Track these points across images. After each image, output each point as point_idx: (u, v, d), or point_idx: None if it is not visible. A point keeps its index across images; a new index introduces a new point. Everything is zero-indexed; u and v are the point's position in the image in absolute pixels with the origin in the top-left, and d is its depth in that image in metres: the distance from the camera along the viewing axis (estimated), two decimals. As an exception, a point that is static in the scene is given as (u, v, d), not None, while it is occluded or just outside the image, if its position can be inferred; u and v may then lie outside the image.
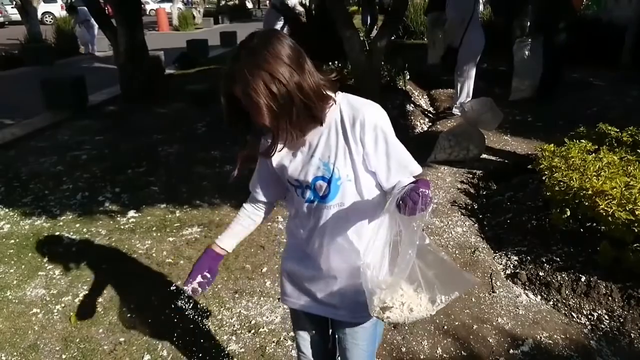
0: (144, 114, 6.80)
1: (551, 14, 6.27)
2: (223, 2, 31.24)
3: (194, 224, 3.67)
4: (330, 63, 8.71)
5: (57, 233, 3.57)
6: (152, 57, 8.57)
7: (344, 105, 1.33)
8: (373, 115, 1.30)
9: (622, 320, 2.59)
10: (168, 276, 3.07)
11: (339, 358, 1.75)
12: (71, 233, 3.57)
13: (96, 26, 13.82)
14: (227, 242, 1.57)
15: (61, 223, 3.71)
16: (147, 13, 28.79)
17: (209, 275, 1.52)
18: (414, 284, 1.28)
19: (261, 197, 1.56)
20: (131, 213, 3.84)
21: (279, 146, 1.32)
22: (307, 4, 15.84)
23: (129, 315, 2.73)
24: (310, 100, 1.22)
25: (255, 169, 1.54)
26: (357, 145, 1.31)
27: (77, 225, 3.68)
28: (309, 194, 1.39)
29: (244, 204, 1.62)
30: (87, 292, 2.92)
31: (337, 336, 1.67)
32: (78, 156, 5.09)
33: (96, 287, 2.95)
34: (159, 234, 3.53)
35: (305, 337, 1.70)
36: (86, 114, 6.97)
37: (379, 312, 1.30)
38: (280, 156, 1.39)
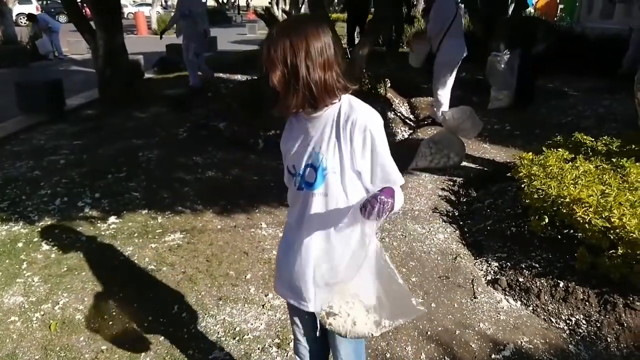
0: (123, 119, 6.72)
1: (529, 25, 6.44)
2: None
3: (177, 230, 3.64)
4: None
5: (36, 239, 3.50)
6: (132, 61, 8.49)
7: (345, 104, 1.43)
8: (366, 119, 1.39)
9: (599, 324, 2.66)
10: (150, 283, 3.04)
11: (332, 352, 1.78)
12: (50, 239, 3.50)
13: (58, 30, 13.63)
14: None
15: (39, 229, 3.64)
16: (126, 17, 28.44)
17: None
18: (368, 302, 1.30)
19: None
20: (112, 219, 3.79)
21: (298, 122, 1.49)
22: (290, 10, 15.92)
23: (110, 323, 2.69)
24: (315, 86, 1.34)
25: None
26: (346, 142, 1.40)
27: (56, 231, 3.61)
28: (299, 181, 1.49)
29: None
30: (67, 299, 2.86)
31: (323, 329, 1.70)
32: (55, 161, 4.99)
33: (77, 295, 2.90)
34: (140, 240, 3.49)
35: (298, 324, 1.75)
36: (63, 118, 6.84)
37: (323, 315, 1.34)
38: (287, 142, 1.53)
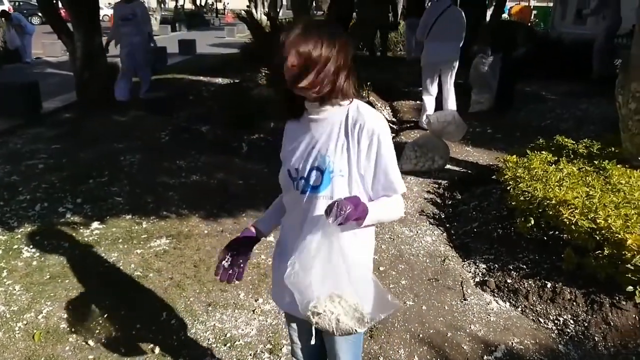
0: (102, 122, 6.58)
1: (510, 29, 6.55)
2: (180, 10, 30.82)
3: (162, 235, 3.57)
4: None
5: (16, 246, 3.40)
6: (109, 64, 8.34)
7: (353, 108, 1.44)
8: (374, 123, 1.41)
9: (586, 324, 2.70)
10: (137, 290, 2.97)
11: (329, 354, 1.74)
12: (31, 246, 3.40)
13: (32, 33, 13.33)
14: (261, 225, 1.65)
15: (19, 235, 3.53)
16: (101, 19, 28.00)
17: (240, 262, 1.55)
18: (351, 300, 1.35)
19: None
20: (95, 224, 3.70)
21: (302, 124, 1.49)
22: (269, 13, 15.90)
23: (97, 331, 2.62)
24: (336, 83, 1.38)
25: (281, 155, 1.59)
26: (354, 145, 1.41)
27: (37, 237, 3.51)
28: (302, 184, 1.46)
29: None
30: (51, 308, 2.78)
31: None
32: (34, 165, 4.86)
33: (61, 303, 2.82)
34: (125, 246, 3.42)
35: (296, 329, 1.73)
36: (40, 122, 6.67)
37: (309, 315, 1.36)
38: (288, 146, 1.52)
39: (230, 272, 1.53)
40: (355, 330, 1.37)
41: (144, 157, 5.14)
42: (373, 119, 1.41)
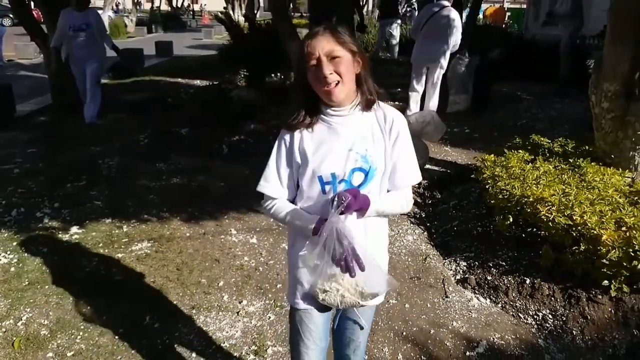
0: (79, 125, 6.48)
1: (485, 32, 6.67)
2: (157, 11, 30.48)
3: (144, 239, 3.54)
4: (272, 75, 8.74)
5: (-8, 253, 3.33)
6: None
7: (381, 108, 1.56)
8: (402, 122, 1.56)
9: (564, 318, 2.77)
10: (119, 294, 2.94)
11: (339, 342, 1.82)
12: (8, 252, 3.33)
13: (2, 35, 13.03)
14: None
15: (-5, 242, 3.47)
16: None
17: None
18: (355, 278, 1.46)
19: (285, 193, 1.61)
20: (74, 229, 3.65)
21: (324, 130, 1.53)
22: (246, 14, 15.84)
23: (79, 337, 2.59)
24: (367, 72, 1.51)
25: (268, 171, 1.58)
26: (389, 142, 1.53)
27: (14, 243, 3.45)
28: (343, 187, 1.50)
29: (277, 202, 1.61)
30: (30, 314, 2.74)
31: (344, 321, 1.74)
32: (9, 170, 4.77)
33: (41, 309, 2.78)
34: (106, 250, 3.38)
35: (312, 330, 1.68)
36: (14, 125, 6.55)
37: (317, 292, 1.52)
38: (315, 151, 1.52)
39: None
40: (359, 303, 1.51)
41: (123, 160, 5.09)
42: (401, 118, 1.56)
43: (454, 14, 6.08)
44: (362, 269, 1.42)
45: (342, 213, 1.39)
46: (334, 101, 1.47)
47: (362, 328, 1.74)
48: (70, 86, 7.19)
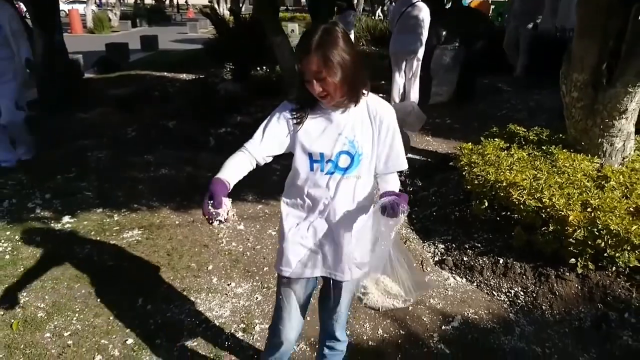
0: (66, 120, 6.54)
1: (469, 22, 6.84)
2: (141, 4, 30.25)
3: (134, 227, 3.66)
4: (257, 68, 8.84)
5: (-14, 241, 3.42)
6: (71, 61, 8.24)
7: (370, 98, 1.67)
8: (390, 113, 1.68)
9: (534, 295, 2.95)
10: (112, 279, 3.06)
11: (324, 311, 1.99)
12: (2, 241, 3.43)
13: None
14: (229, 175, 1.61)
15: (-11, 231, 3.56)
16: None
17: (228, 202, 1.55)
18: (392, 283, 1.63)
19: (259, 152, 1.67)
20: (66, 219, 3.75)
21: (320, 114, 1.64)
22: (231, 8, 15.84)
23: (75, 318, 2.71)
24: (362, 84, 1.60)
25: (261, 130, 1.68)
26: (375, 131, 1.66)
27: (8, 232, 3.54)
28: (330, 167, 1.65)
29: (240, 151, 1.69)
30: (27, 298, 2.85)
31: (329, 291, 1.87)
32: (-2, 163, 4.83)
33: (37, 293, 2.89)
34: (98, 238, 3.49)
35: (295, 299, 1.85)
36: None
37: (359, 296, 1.68)
38: (309, 132, 1.65)
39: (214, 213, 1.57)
40: (395, 306, 1.74)
41: (111, 153, 5.18)
42: (389, 109, 1.68)
43: (423, 7, 6.28)
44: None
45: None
46: (326, 105, 1.63)
47: (338, 302, 1.88)
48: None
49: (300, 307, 1.88)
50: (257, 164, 1.71)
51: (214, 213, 1.51)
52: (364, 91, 1.63)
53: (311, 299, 1.93)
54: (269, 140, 1.67)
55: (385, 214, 1.53)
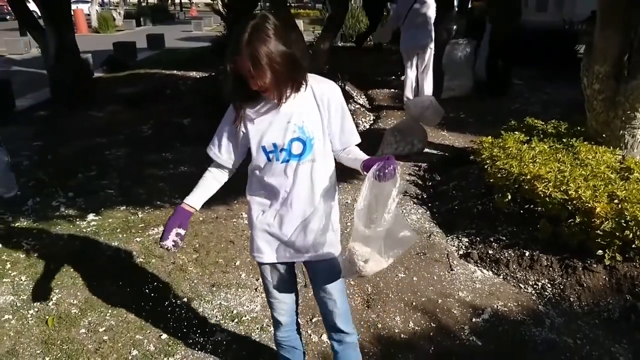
0: (79, 118, 6.59)
1: (495, 15, 6.82)
2: (144, 3, 30.27)
3: (159, 223, 3.69)
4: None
5: (15, 240, 3.45)
6: (83, 59, 8.28)
7: (312, 81, 1.66)
8: (335, 90, 1.69)
9: (562, 287, 2.96)
10: (142, 275, 3.09)
11: (319, 302, 1.95)
12: (30, 239, 3.47)
13: None
14: (194, 200, 1.78)
15: (16, 230, 3.59)
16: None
17: (182, 232, 1.74)
18: (379, 248, 1.59)
19: (225, 162, 1.78)
20: (91, 216, 3.78)
21: (266, 107, 1.63)
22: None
23: (108, 314, 2.74)
24: (293, 71, 1.55)
25: (216, 138, 1.75)
26: (324, 112, 1.67)
27: (35, 231, 3.58)
28: (284, 155, 1.66)
29: (209, 168, 1.82)
30: (59, 295, 2.88)
31: (310, 276, 1.91)
32: (19, 162, 4.87)
33: (69, 290, 2.92)
34: (124, 235, 3.52)
35: (276, 284, 1.90)
36: (14, 120, 6.62)
37: (362, 264, 1.60)
38: (258, 125, 1.66)
39: (176, 241, 1.73)
40: (383, 267, 1.65)
41: (129, 150, 5.21)
42: (333, 87, 1.69)
43: (432, 6, 6.28)
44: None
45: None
46: (269, 98, 1.62)
47: (321, 287, 1.87)
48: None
49: (284, 284, 1.90)
50: (229, 171, 1.81)
51: (161, 244, 1.71)
52: (303, 82, 1.61)
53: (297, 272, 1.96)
54: (225, 145, 1.74)
55: (379, 180, 1.51)
